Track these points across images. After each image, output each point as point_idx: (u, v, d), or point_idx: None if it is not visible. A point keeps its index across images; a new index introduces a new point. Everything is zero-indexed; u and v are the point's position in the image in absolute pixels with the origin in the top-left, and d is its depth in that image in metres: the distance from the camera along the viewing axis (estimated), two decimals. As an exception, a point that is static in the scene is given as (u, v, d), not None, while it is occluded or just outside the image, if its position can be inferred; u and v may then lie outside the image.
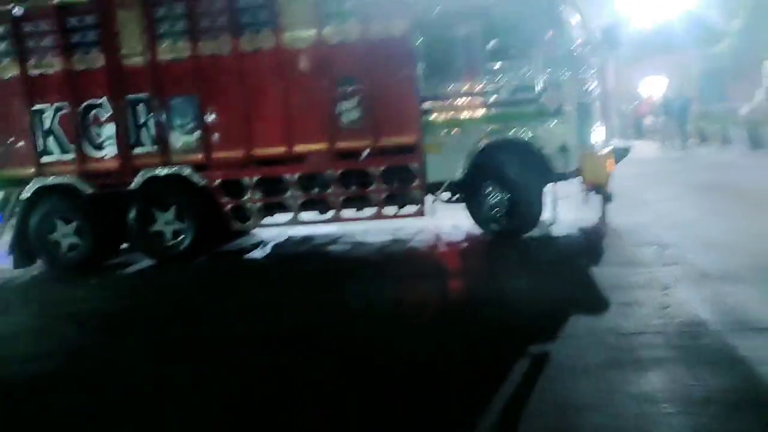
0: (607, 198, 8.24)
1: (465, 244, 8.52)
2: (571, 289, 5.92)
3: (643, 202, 9.89)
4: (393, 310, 5.83)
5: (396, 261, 8.11)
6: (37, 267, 9.08)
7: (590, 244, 7.93)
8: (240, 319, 5.94)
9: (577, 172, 8.21)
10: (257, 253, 9.21)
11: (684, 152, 18.86)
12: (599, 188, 8.22)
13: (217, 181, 8.64)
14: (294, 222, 8.78)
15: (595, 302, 5.44)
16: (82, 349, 5.49)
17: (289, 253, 9.21)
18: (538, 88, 8.02)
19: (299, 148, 8.47)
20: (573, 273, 6.52)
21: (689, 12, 23.61)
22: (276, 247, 9.52)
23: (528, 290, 6.07)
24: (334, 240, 9.55)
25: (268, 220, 9.04)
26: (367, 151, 8.43)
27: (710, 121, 20.31)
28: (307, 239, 9.75)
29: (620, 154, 8.62)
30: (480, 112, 8.18)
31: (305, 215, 8.77)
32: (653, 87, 27.32)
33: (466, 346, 4.73)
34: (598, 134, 8.26)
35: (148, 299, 7.22)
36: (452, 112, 8.24)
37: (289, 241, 9.82)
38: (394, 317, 5.60)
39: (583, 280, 6.18)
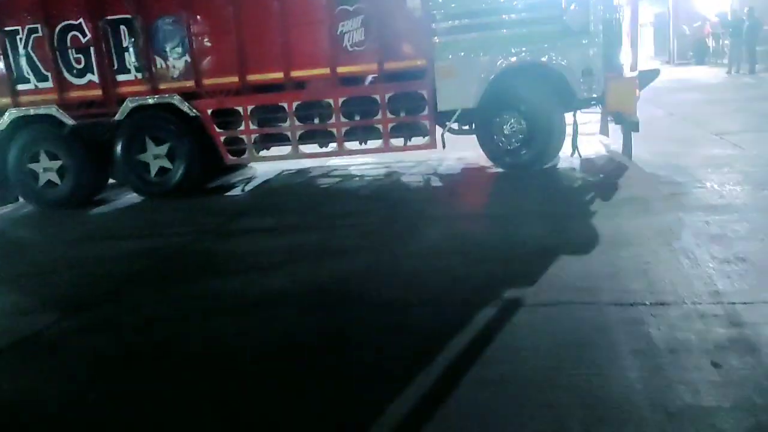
0: (632, 127, 7.55)
1: (468, 180, 7.92)
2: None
3: (716, 133, 8.81)
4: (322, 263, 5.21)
5: (381, 198, 7.38)
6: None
7: (609, 182, 7.27)
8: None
9: (601, 99, 7.53)
10: (239, 190, 8.56)
11: (753, 78, 17.02)
12: (625, 116, 7.55)
13: (210, 111, 7.95)
14: (294, 155, 8.13)
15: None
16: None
17: (273, 188, 8.55)
18: (561, 4, 7.24)
19: (298, 73, 7.76)
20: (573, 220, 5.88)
21: None
22: (264, 182, 8.84)
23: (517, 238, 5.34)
24: (327, 173, 8.91)
25: (265, 152, 8.42)
26: (372, 76, 7.72)
27: None
28: (300, 173, 9.09)
29: (648, 78, 7.89)
30: (497, 32, 7.41)
31: (305, 147, 8.12)
32: (716, 5, 24.27)
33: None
34: (624, 56, 7.53)
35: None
36: (466, 33, 7.46)
37: (281, 175, 9.13)
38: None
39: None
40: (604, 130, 8.56)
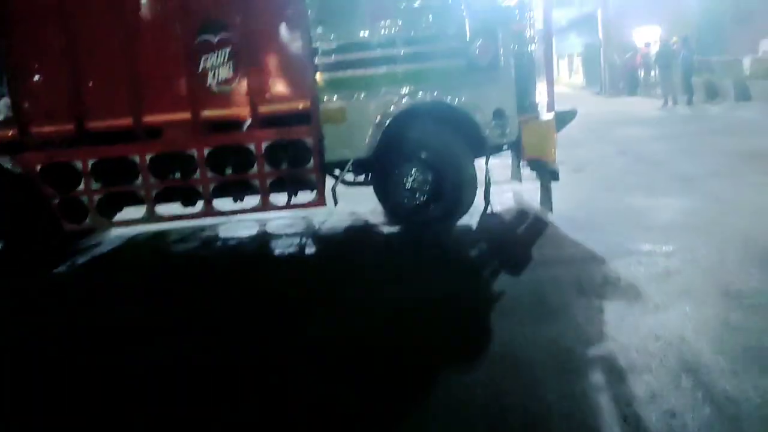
0: (552, 176, 6.53)
1: (348, 246, 6.62)
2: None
3: (683, 178, 7.79)
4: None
5: (232, 274, 5.96)
6: None
7: (532, 237, 6.18)
8: None
9: (515, 144, 6.48)
10: (66, 266, 6.70)
11: (691, 110, 16.37)
12: (543, 163, 6.51)
13: (38, 166, 6.30)
14: (149, 219, 6.57)
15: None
16: None
17: (112, 261, 6.85)
18: (465, 36, 6.17)
19: (151, 118, 6.27)
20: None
21: None
22: (106, 252, 7.11)
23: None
24: (186, 236, 7.31)
25: (118, 215, 6.81)
26: (248, 122, 6.35)
27: (718, 74, 18.25)
28: (157, 236, 7.45)
29: (565, 119, 6.90)
30: (392, 68, 6.23)
31: (165, 208, 6.59)
32: (647, 37, 24.16)
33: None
34: (540, 95, 6.53)
35: None
36: (356, 69, 6.24)
37: (131, 241, 7.40)
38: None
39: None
40: (516, 176, 7.53)
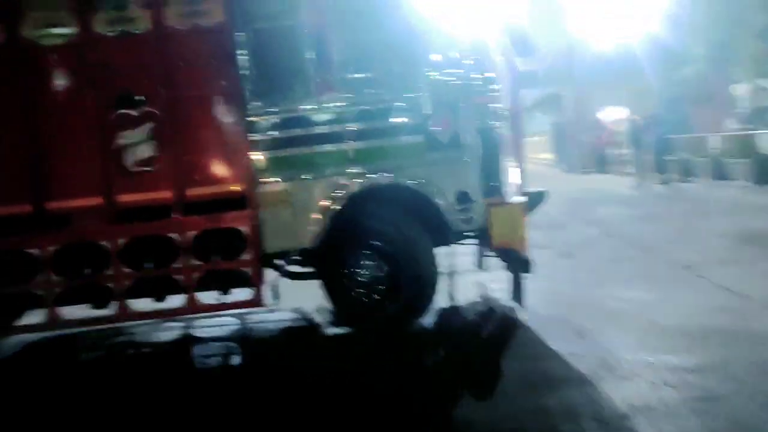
0: (522, 267, 5.72)
1: (284, 354, 5.57)
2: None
3: (683, 266, 6.99)
4: None
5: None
6: None
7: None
8: None
9: (482, 231, 5.68)
10: None
11: (668, 189, 16.09)
12: (513, 252, 5.71)
13: None
14: (51, 324, 5.48)
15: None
16: None
17: None
18: (424, 110, 5.47)
19: (56, 204, 5.30)
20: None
21: (650, 35, 20.92)
22: None
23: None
24: (93, 343, 6.17)
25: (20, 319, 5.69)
26: (172, 207, 5.43)
27: (689, 152, 18.15)
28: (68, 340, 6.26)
29: (535, 202, 6.16)
30: (340, 146, 5.46)
31: (70, 311, 5.52)
32: (613, 116, 24.82)
33: None
34: (509, 175, 5.81)
35: None
36: (299, 146, 5.45)
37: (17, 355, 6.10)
38: None
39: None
40: (481, 265, 6.67)
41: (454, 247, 5.94)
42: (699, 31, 19.18)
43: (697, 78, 20.65)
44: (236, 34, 5.31)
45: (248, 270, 5.47)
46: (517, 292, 5.78)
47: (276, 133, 5.42)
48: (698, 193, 14.77)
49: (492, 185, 5.64)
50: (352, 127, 5.44)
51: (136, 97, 5.25)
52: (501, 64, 5.91)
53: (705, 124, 20.10)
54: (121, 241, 5.30)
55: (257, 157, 5.39)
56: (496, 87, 5.71)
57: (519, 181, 5.88)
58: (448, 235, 5.72)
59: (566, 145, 25.60)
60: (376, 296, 5.58)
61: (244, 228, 5.39)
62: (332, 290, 5.66)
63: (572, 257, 8.21)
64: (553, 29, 21.17)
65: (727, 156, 16.43)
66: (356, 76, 5.46)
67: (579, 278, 7.00)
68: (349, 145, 5.45)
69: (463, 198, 5.55)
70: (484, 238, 5.78)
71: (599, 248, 8.78)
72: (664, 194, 15.40)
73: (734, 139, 17.04)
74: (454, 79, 5.57)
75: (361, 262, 5.59)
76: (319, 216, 5.43)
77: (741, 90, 21.54)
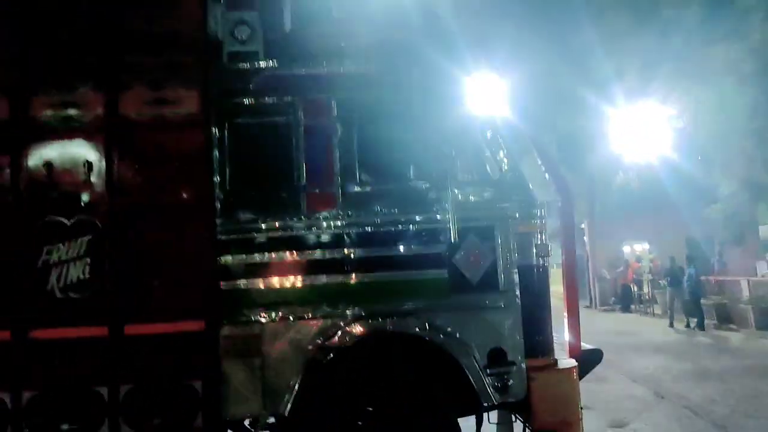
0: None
1: None
2: None
3: None
4: None
5: None
6: None
7: None
8: None
9: (521, 405, 4.17)
10: None
11: (708, 336, 14.32)
12: (563, 434, 4.17)
13: None
14: None
15: None
16: None
17: None
18: (447, 238, 4.15)
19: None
20: None
21: (678, 169, 19.10)
22: None
23: None
24: None
25: None
26: (106, 347, 4.04)
27: (727, 296, 16.34)
28: None
29: (590, 364, 4.66)
30: (338, 278, 4.11)
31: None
32: (637, 252, 23.62)
33: None
34: (557, 330, 4.38)
35: None
36: (283, 276, 4.11)
37: None
38: None
39: None
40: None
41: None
42: (729, 168, 18.07)
43: (725, 217, 19.37)
44: (213, 129, 4.15)
45: (201, 442, 3.98)
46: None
47: (254, 257, 4.12)
48: (745, 345, 12.91)
49: (537, 341, 4.21)
50: (353, 253, 4.12)
51: (73, 203, 4.00)
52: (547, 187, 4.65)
53: (734, 266, 18.54)
54: (28, 395, 3.88)
55: (226, 287, 4.05)
56: (543, 210, 4.41)
57: (571, 336, 4.41)
58: (476, 408, 4.23)
59: (585, 280, 23.91)
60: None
61: (198, 383, 3.96)
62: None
63: (626, 427, 6.59)
64: (577, 162, 20.22)
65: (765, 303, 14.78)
66: (363, 188, 4.21)
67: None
68: (348, 278, 4.10)
69: (498, 358, 4.11)
70: (524, 413, 4.26)
71: (656, 416, 7.12)
72: (706, 343, 13.52)
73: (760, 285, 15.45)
74: (490, 199, 4.28)
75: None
76: (299, 373, 4.00)
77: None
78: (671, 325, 15.72)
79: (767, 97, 15.31)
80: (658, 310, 18.51)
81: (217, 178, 4.11)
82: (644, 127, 18.55)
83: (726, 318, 15.73)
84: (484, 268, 4.15)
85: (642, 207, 21.40)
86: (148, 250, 4.06)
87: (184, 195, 4.12)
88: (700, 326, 15.15)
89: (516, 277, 4.16)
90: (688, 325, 15.59)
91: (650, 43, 16.16)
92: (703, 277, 17.10)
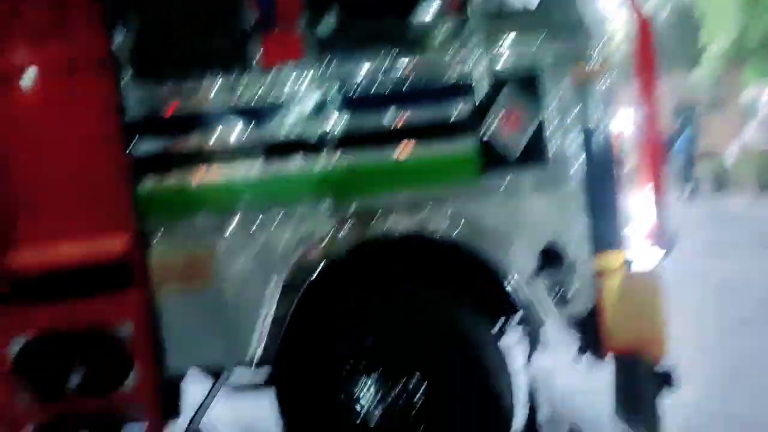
0: (663, 382, 3.04)
1: None
2: None
3: None
4: None
5: None
6: None
7: None
8: None
9: (587, 318, 2.99)
10: None
11: (705, 204, 13.67)
12: (643, 360, 3.01)
13: None
14: None
15: None
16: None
17: None
18: (474, 87, 2.80)
19: None
20: None
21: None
22: None
23: None
24: None
25: None
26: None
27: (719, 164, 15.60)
28: None
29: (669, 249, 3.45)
30: (311, 163, 2.80)
31: None
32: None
33: None
34: (637, 225, 3.12)
35: None
36: (232, 164, 2.79)
37: None
38: None
39: None
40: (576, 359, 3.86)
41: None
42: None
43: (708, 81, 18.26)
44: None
45: (137, 405, 2.81)
46: (652, 425, 3.08)
47: (188, 140, 2.77)
48: (750, 213, 11.81)
49: (605, 235, 2.96)
50: (338, 122, 2.79)
51: None
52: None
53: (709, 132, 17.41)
54: None
55: (150, 189, 2.74)
56: (611, 56, 3.03)
57: (653, 223, 3.15)
58: (519, 324, 3.10)
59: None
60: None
61: (127, 327, 2.73)
62: (299, 422, 2.99)
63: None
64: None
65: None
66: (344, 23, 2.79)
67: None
68: (332, 161, 2.79)
69: (551, 257, 2.89)
70: (590, 331, 3.09)
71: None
72: (707, 213, 12.57)
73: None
74: (536, 35, 2.88)
75: (358, 375, 2.95)
76: (278, 299, 2.78)
77: (753, 93, 18.54)
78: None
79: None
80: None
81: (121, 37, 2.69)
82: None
83: (720, 185, 15.16)
84: (529, 133, 2.84)
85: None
86: (41, 149, 2.70)
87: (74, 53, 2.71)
88: (694, 194, 14.51)
89: (578, 145, 2.86)
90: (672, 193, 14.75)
91: None
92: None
